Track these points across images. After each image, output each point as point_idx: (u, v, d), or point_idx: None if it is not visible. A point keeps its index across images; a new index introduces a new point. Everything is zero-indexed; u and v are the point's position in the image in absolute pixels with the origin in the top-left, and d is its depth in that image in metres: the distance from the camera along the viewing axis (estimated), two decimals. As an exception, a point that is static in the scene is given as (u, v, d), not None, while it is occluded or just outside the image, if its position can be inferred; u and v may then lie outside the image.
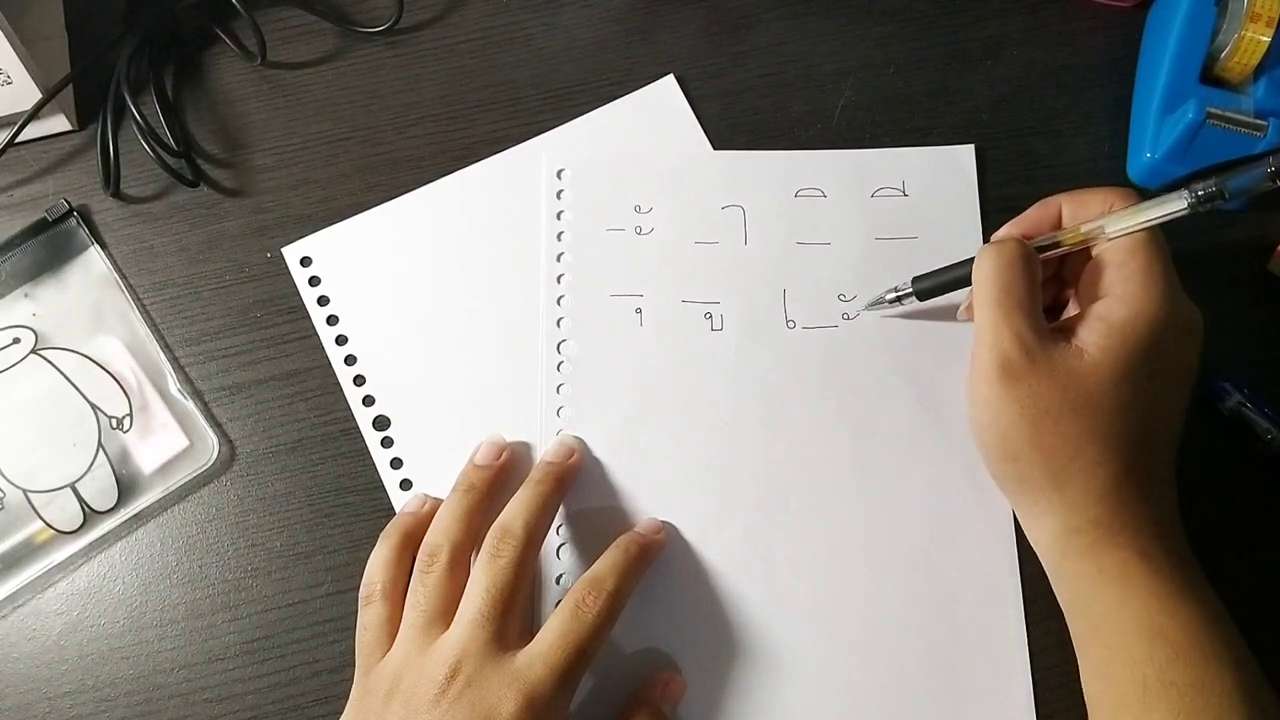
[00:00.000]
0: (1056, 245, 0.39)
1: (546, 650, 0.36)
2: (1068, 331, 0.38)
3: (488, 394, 0.45)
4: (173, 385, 0.46)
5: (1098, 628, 0.37)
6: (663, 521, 0.43)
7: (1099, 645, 0.37)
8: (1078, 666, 0.38)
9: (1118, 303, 0.37)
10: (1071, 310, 0.42)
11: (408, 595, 0.39)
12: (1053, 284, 0.42)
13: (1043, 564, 0.40)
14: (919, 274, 0.43)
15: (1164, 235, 0.38)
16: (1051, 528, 0.38)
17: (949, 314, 0.45)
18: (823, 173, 0.48)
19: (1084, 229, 0.39)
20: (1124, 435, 0.36)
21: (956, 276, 0.42)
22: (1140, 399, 0.36)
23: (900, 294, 0.43)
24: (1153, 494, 0.37)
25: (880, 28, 0.51)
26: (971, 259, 0.41)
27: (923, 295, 0.43)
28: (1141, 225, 0.37)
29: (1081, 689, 0.38)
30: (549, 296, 0.46)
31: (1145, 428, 0.37)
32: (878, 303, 0.45)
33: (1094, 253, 0.39)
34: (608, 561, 0.39)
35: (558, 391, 0.45)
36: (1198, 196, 0.36)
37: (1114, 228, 0.38)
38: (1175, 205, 0.37)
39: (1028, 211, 0.41)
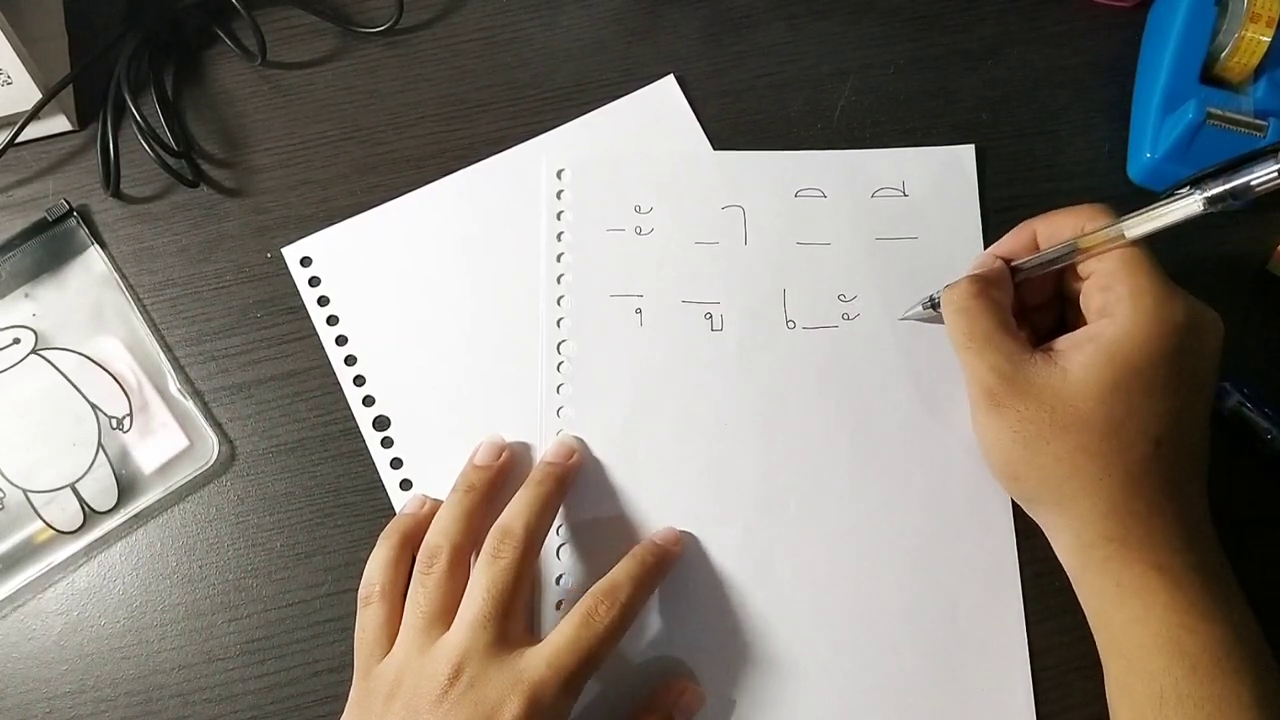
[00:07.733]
0: (1076, 251, 0.39)
1: (553, 654, 0.36)
2: (1055, 353, 0.38)
3: (488, 394, 0.45)
4: (173, 385, 0.46)
5: (1117, 640, 0.37)
6: (681, 531, 0.42)
7: (1119, 657, 0.37)
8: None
9: (1107, 322, 0.37)
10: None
11: (407, 596, 0.39)
12: (1055, 303, 0.42)
13: (1068, 574, 0.39)
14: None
15: (1150, 247, 0.37)
16: (1067, 542, 0.38)
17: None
18: (823, 173, 0.48)
19: (1104, 233, 0.38)
20: (1123, 449, 0.36)
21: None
22: (1137, 412, 0.36)
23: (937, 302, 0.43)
24: (1169, 505, 0.36)
25: (880, 28, 0.51)
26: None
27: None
28: (1161, 226, 0.37)
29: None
30: (549, 296, 0.46)
31: (1149, 440, 0.36)
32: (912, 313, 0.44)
33: (1082, 276, 0.39)
34: (623, 571, 0.39)
35: (558, 391, 0.45)
36: (1209, 198, 0.36)
37: (1134, 230, 0.37)
38: (1190, 207, 0.36)
39: (1004, 238, 0.42)
